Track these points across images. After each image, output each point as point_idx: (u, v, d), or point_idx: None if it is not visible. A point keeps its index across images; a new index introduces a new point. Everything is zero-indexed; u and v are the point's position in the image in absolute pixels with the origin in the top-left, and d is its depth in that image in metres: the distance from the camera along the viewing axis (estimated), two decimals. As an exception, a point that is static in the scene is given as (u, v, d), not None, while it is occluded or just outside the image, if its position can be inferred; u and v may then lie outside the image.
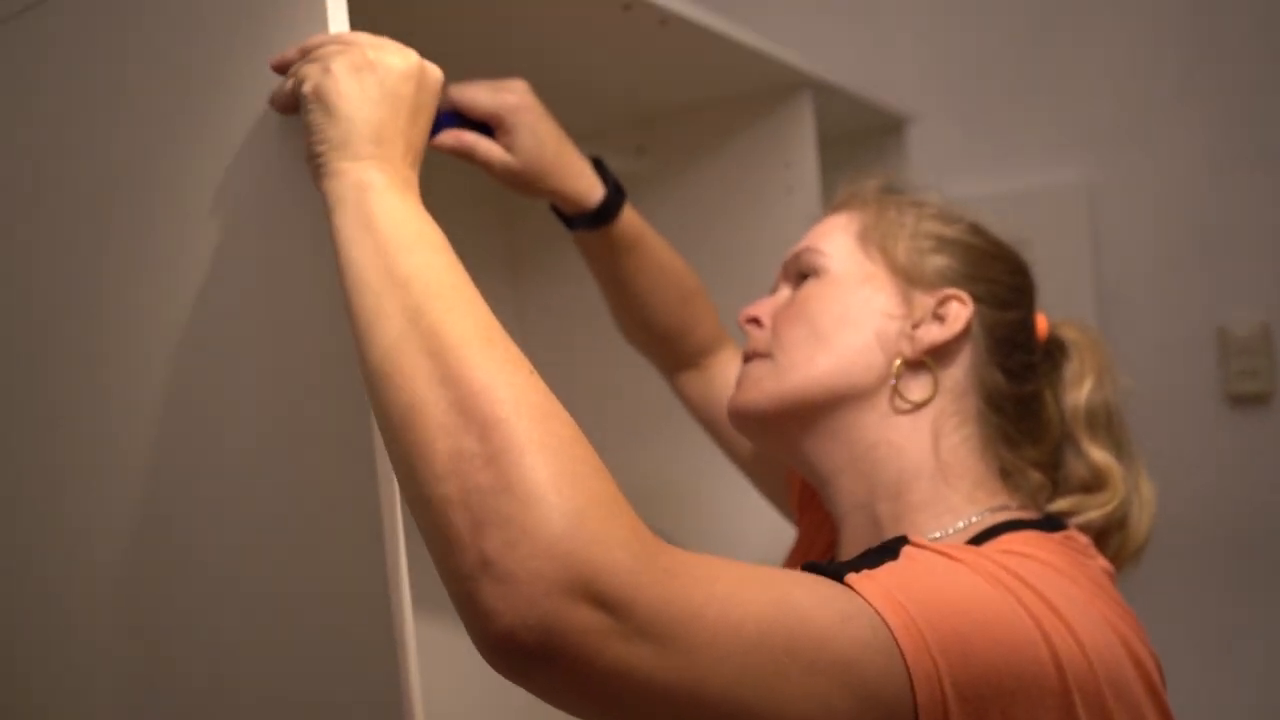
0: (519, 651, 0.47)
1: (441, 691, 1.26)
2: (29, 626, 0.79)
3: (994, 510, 0.76)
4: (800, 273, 0.86)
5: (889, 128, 1.67)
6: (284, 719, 0.66)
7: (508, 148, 0.89)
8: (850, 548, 0.80)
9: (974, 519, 0.75)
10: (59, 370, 0.76)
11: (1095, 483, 0.82)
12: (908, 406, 0.78)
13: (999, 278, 0.83)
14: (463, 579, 0.48)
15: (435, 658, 1.25)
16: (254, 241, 0.66)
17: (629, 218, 0.97)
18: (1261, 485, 1.52)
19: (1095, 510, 0.80)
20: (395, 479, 0.56)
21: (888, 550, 0.64)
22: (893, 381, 0.78)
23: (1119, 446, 0.84)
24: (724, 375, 1.06)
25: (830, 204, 0.92)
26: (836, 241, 0.85)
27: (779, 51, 1.15)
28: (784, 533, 1.15)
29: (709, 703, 0.50)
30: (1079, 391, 0.85)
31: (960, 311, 0.79)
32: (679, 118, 1.34)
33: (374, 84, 0.61)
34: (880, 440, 0.78)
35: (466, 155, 0.89)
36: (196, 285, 0.68)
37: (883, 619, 0.55)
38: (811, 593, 0.55)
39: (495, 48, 1.02)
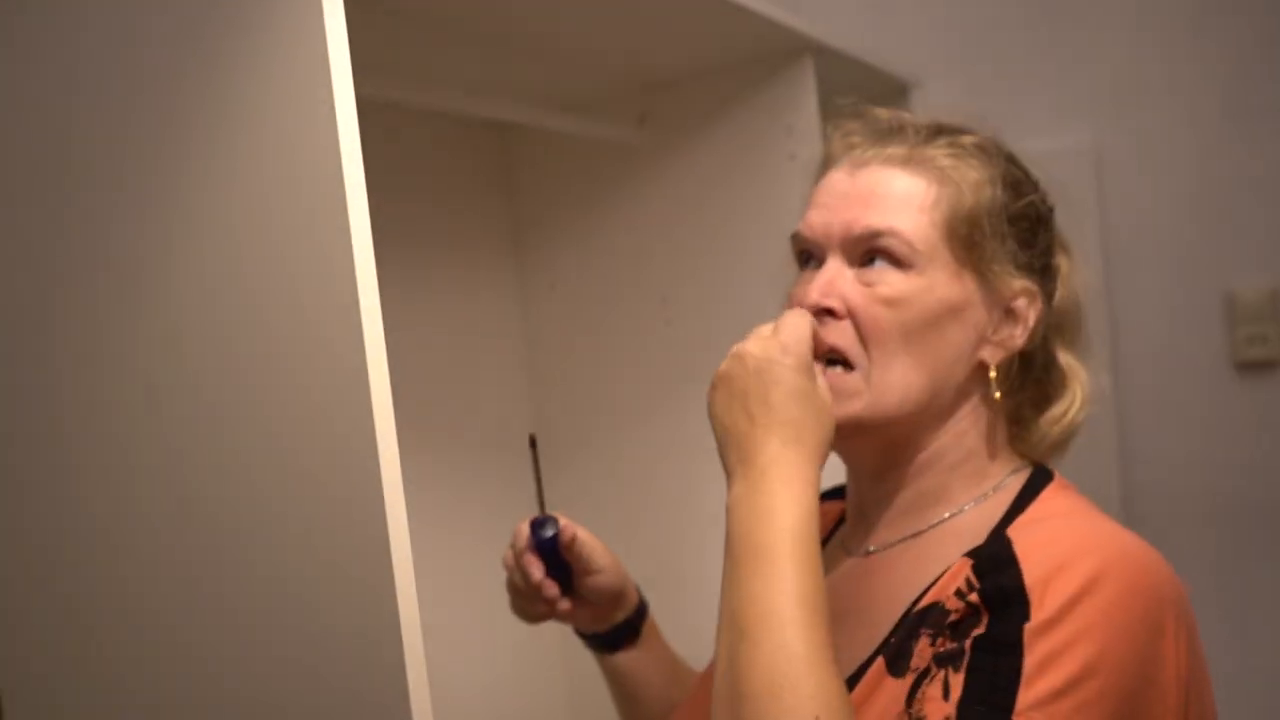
0: None
1: (446, 677, 1.27)
2: (42, 625, 0.79)
3: (1016, 472, 0.80)
4: (870, 252, 0.77)
5: (893, 92, 1.64)
6: (290, 707, 0.66)
7: (584, 606, 0.97)
8: (875, 515, 0.82)
9: (1004, 481, 0.79)
10: (57, 371, 0.76)
11: (1059, 387, 0.83)
12: (988, 414, 0.80)
13: (1046, 241, 0.82)
14: None
15: (440, 645, 1.26)
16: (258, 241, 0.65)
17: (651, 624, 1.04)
18: (1270, 451, 1.51)
19: (1063, 420, 0.81)
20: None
21: (1004, 641, 0.65)
22: (980, 390, 0.79)
23: (1078, 347, 0.84)
24: None
25: (880, 146, 0.82)
26: (919, 227, 0.76)
27: (780, 15, 1.13)
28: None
29: None
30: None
31: (1031, 310, 0.79)
32: (680, 85, 1.33)
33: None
34: (946, 432, 0.79)
35: (550, 602, 0.95)
36: (200, 284, 0.67)
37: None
38: None
39: (496, 13, 1.01)
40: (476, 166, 1.39)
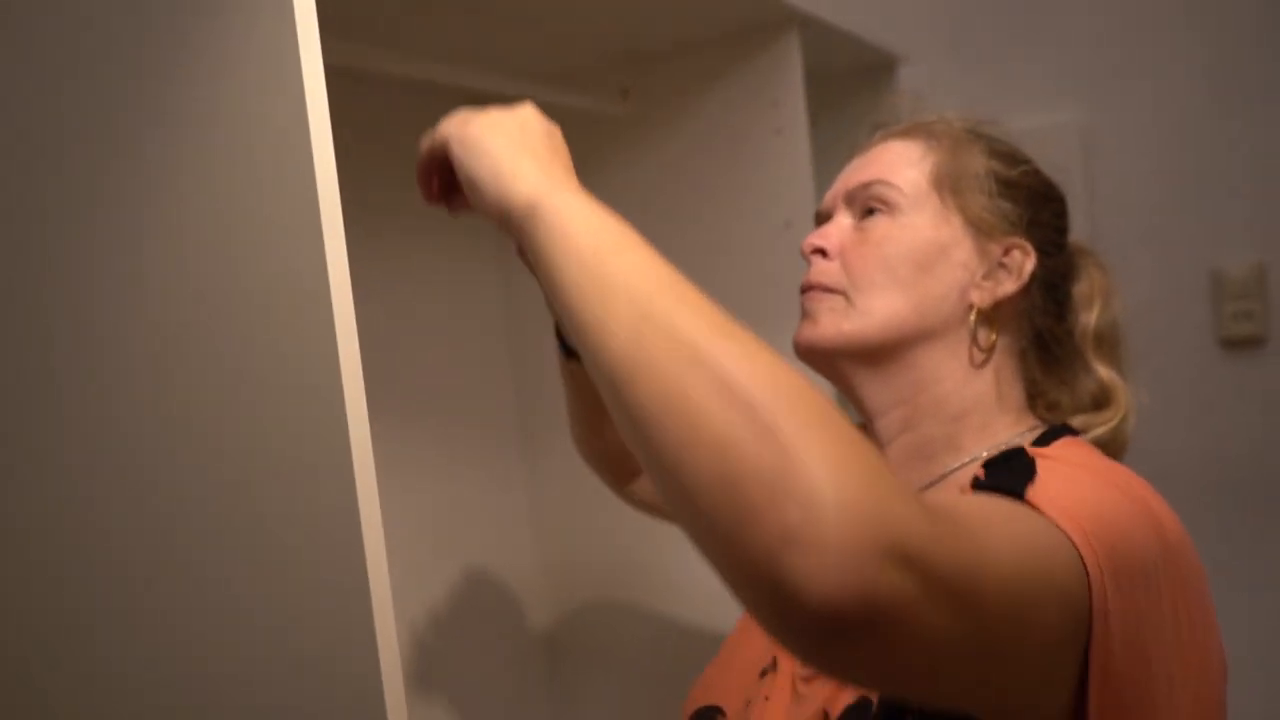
0: (837, 623, 0.45)
1: (424, 661, 1.26)
2: (31, 626, 0.77)
3: (1031, 430, 0.81)
4: (868, 204, 0.85)
5: (880, 67, 1.63)
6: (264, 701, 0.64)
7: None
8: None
9: (1016, 439, 0.80)
10: (46, 371, 0.73)
11: (1104, 399, 0.86)
12: (980, 356, 0.82)
13: (1050, 221, 0.87)
14: (762, 559, 0.45)
15: (417, 628, 1.25)
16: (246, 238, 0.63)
17: None
18: (1255, 429, 1.51)
19: (1102, 427, 0.84)
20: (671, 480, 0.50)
21: (1019, 463, 0.70)
22: (969, 330, 0.82)
23: (1121, 364, 0.88)
24: None
25: (886, 127, 0.92)
26: (909, 177, 0.84)
27: (766, -14, 1.11)
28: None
29: (995, 655, 0.53)
30: (1090, 314, 0.88)
31: (1025, 262, 0.83)
32: (663, 58, 1.30)
33: (510, 123, 0.68)
34: (945, 376, 0.82)
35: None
36: (164, 268, 0.65)
37: (1069, 538, 0.60)
38: (1026, 525, 0.60)
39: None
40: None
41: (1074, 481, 0.67)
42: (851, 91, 1.64)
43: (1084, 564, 0.60)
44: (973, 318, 0.82)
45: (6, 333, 0.74)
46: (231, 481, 0.64)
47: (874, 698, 0.71)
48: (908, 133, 0.88)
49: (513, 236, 0.65)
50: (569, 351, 0.97)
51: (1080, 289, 0.89)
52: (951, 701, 0.56)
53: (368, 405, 0.60)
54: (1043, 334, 0.85)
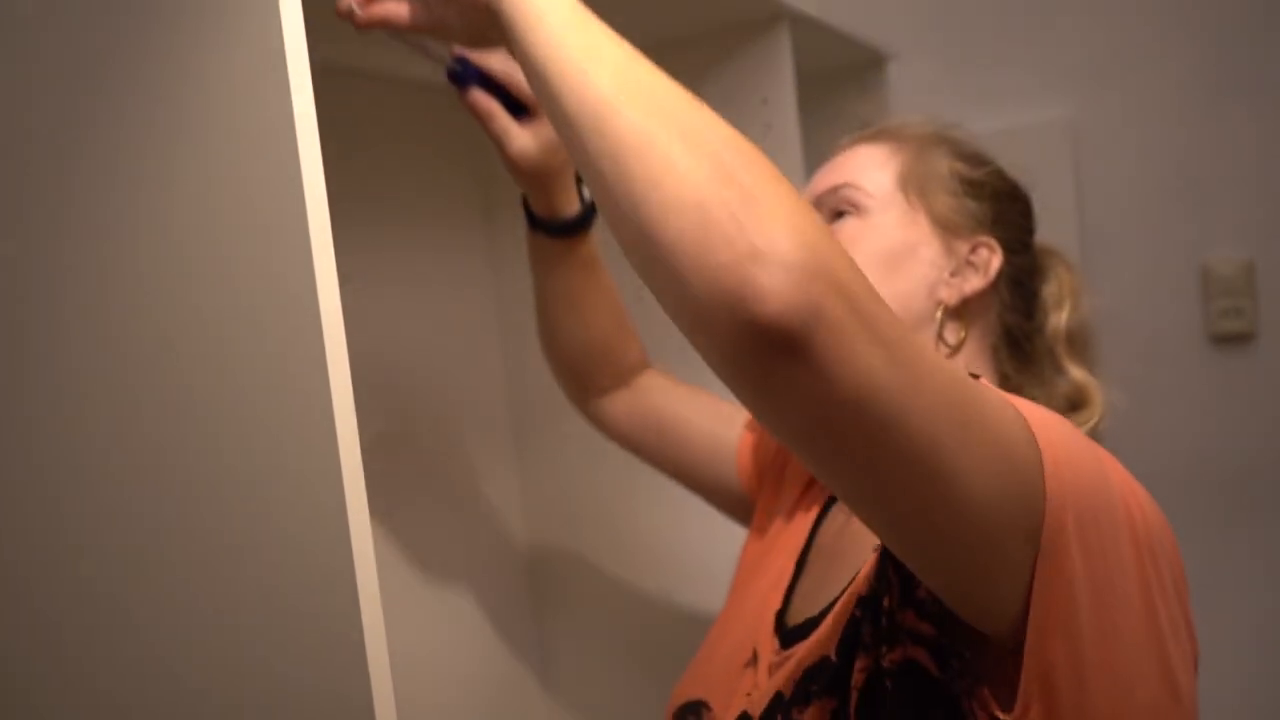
0: (782, 335, 0.50)
1: (412, 665, 1.26)
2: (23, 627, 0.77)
3: None
4: (837, 207, 0.87)
5: (869, 64, 1.63)
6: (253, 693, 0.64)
7: (532, 135, 0.90)
8: None
9: None
10: (38, 371, 0.73)
11: (1079, 400, 0.87)
12: (946, 350, 0.83)
13: (1016, 220, 0.88)
14: (732, 271, 0.51)
15: (407, 632, 1.24)
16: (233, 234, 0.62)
17: (592, 237, 1.00)
18: (1244, 426, 1.51)
19: (1081, 428, 0.83)
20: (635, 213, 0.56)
21: None
22: (936, 329, 0.83)
23: (1092, 364, 0.89)
24: (651, 386, 1.08)
25: (855, 133, 0.93)
26: (876, 180, 0.86)
27: (755, -18, 1.11)
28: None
29: (912, 425, 0.53)
30: (1060, 314, 0.89)
31: (992, 260, 0.84)
32: (653, 53, 1.29)
33: None
34: None
35: (486, 121, 0.89)
36: (141, 265, 0.64)
37: (1034, 439, 0.59)
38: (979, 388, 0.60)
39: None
40: (444, 135, 1.36)
41: (1050, 423, 0.64)
42: (841, 89, 1.64)
43: (1043, 474, 0.58)
44: (939, 314, 0.83)
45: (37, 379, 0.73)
46: (218, 482, 0.64)
47: (833, 654, 0.70)
48: (875, 137, 0.90)
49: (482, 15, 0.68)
50: (534, 221, 0.99)
51: (1049, 289, 0.90)
52: (890, 511, 0.57)
53: (355, 405, 0.60)
54: (1012, 330, 0.86)
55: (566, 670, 1.47)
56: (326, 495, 0.59)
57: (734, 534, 1.07)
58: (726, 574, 1.03)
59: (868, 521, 0.60)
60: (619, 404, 1.09)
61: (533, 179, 0.94)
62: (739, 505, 1.06)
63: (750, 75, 1.23)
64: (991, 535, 0.57)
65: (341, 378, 0.59)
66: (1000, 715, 0.60)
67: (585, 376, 1.08)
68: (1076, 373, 0.87)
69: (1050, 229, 0.94)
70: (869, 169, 0.87)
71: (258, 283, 0.60)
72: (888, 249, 0.84)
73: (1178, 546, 0.69)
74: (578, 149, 0.60)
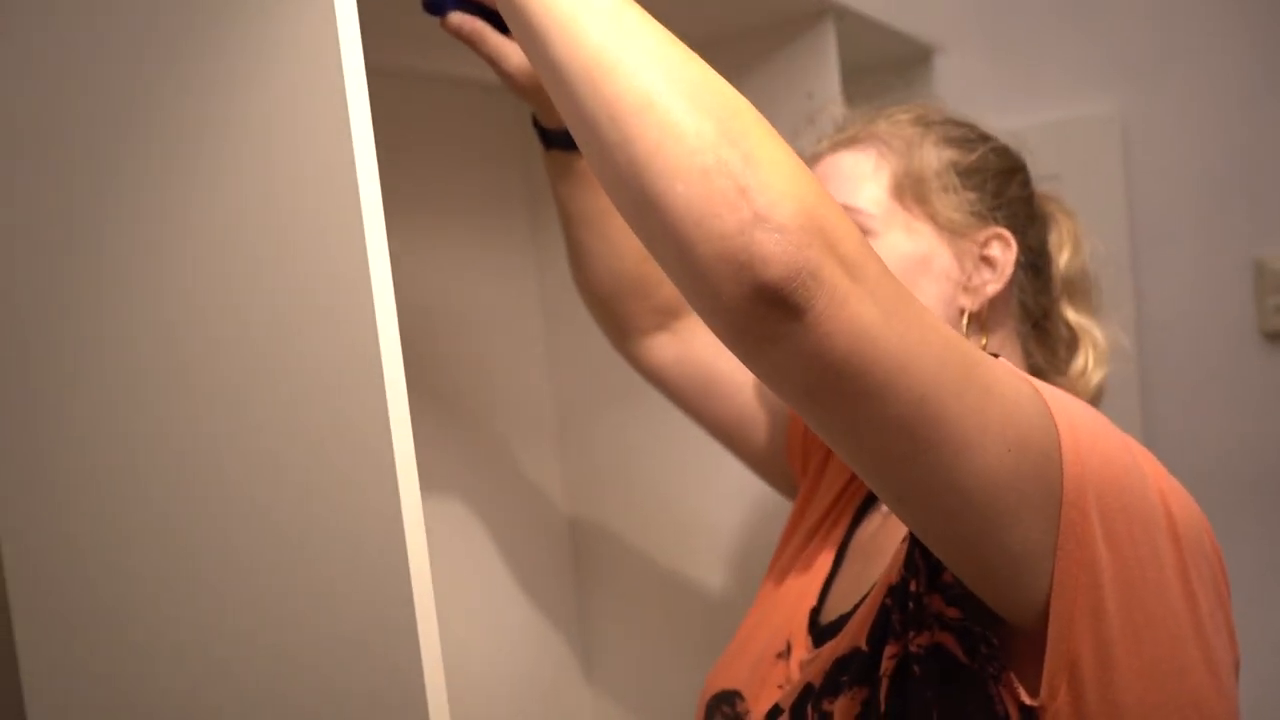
0: (783, 297, 0.51)
1: (462, 659, 1.27)
2: (59, 632, 0.79)
3: None
4: None
5: (916, 58, 1.62)
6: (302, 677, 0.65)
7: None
8: None
9: None
10: (59, 344, 0.75)
11: (1073, 343, 0.86)
12: None
13: (1018, 193, 0.85)
14: (735, 237, 0.51)
15: (456, 626, 1.26)
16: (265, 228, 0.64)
17: None
18: (1297, 423, 1.49)
19: (1080, 376, 0.84)
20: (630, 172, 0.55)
21: None
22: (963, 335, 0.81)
23: (1094, 310, 0.87)
24: (700, 335, 1.04)
25: (832, 136, 0.89)
26: (870, 195, 0.82)
27: (801, -23, 1.11)
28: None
29: (912, 383, 0.53)
30: (1059, 258, 0.87)
31: (1006, 254, 0.81)
32: (698, 49, 1.30)
33: None
34: None
35: (475, 43, 0.85)
36: (204, 266, 0.66)
37: (1045, 403, 0.59)
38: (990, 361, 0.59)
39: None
40: (492, 135, 1.37)
41: (1073, 408, 0.63)
42: (887, 83, 1.63)
43: (1060, 453, 0.57)
44: (964, 323, 0.80)
45: (46, 337, 0.76)
46: (270, 469, 0.65)
47: (864, 644, 0.70)
48: (855, 141, 0.86)
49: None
50: (547, 138, 0.95)
51: (1051, 240, 0.87)
52: (896, 473, 0.56)
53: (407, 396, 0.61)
54: (1032, 312, 0.84)
55: (608, 652, 1.48)
56: (379, 486, 0.60)
57: (774, 518, 1.06)
58: (766, 556, 1.02)
59: (879, 492, 0.59)
60: (667, 350, 1.05)
61: (537, 92, 0.89)
62: (780, 476, 1.04)
63: (796, 70, 1.23)
64: (1003, 513, 0.57)
65: (395, 369, 0.60)
66: (1027, 700, 0.60)
67: (622, 313, 1.03)
68: (1072, 316, 0.85)
69: (1100, 224, 0.93)
70: (860, 183, 0.83)
71: (311, 280, 0.62)
72: (900, 269, 0.79)
73: (1220, 550, 0.68)
74: (569, 107, 0.57)
